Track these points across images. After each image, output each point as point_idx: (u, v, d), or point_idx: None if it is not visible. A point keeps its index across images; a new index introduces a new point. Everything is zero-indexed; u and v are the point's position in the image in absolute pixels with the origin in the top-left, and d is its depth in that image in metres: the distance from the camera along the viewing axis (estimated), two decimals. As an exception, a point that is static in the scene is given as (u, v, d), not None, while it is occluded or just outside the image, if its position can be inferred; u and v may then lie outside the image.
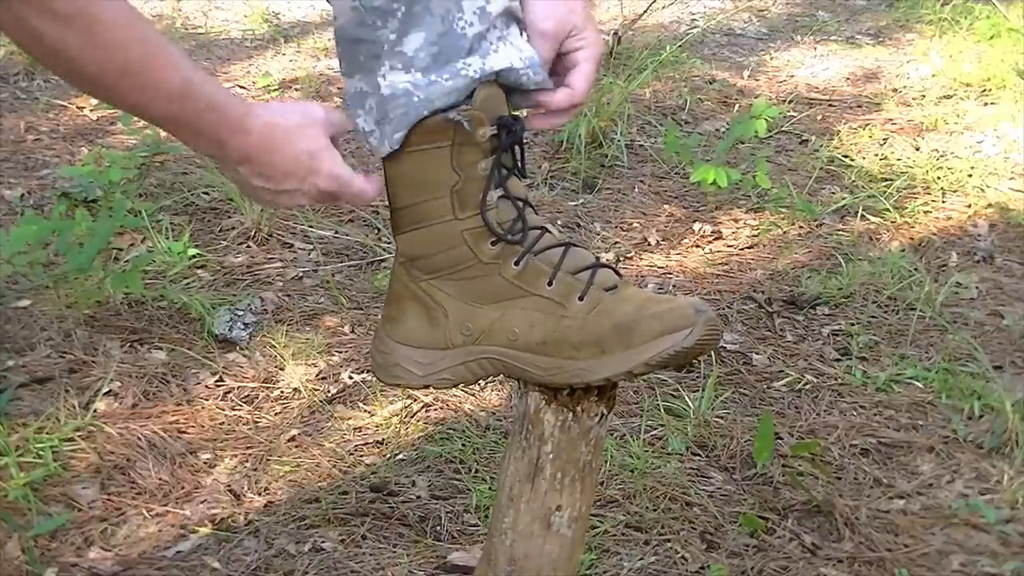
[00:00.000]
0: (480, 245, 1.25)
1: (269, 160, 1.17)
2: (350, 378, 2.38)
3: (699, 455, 2.23)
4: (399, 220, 1.28)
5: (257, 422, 2.24)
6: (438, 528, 1.99)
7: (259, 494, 2.06)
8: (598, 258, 1.28)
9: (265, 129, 1.15)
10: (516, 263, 1.25)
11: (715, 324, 1.21)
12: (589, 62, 1.28)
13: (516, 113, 1.25)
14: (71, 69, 1.06)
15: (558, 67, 1.29)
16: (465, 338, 1.28)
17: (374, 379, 2.33)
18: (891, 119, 3.82)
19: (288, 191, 1.20)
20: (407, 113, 1.21)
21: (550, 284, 1.24)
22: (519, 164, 1.27)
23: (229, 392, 2.32)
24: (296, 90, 3.77)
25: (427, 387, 1.33)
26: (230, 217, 2.93)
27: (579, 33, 1.27)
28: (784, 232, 3.09)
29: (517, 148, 1.27)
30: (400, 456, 2.17)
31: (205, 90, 1.12)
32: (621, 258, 2.92)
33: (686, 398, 2.35)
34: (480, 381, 1.32)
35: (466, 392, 2.32)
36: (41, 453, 2.07)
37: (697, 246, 3.02)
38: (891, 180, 3.35)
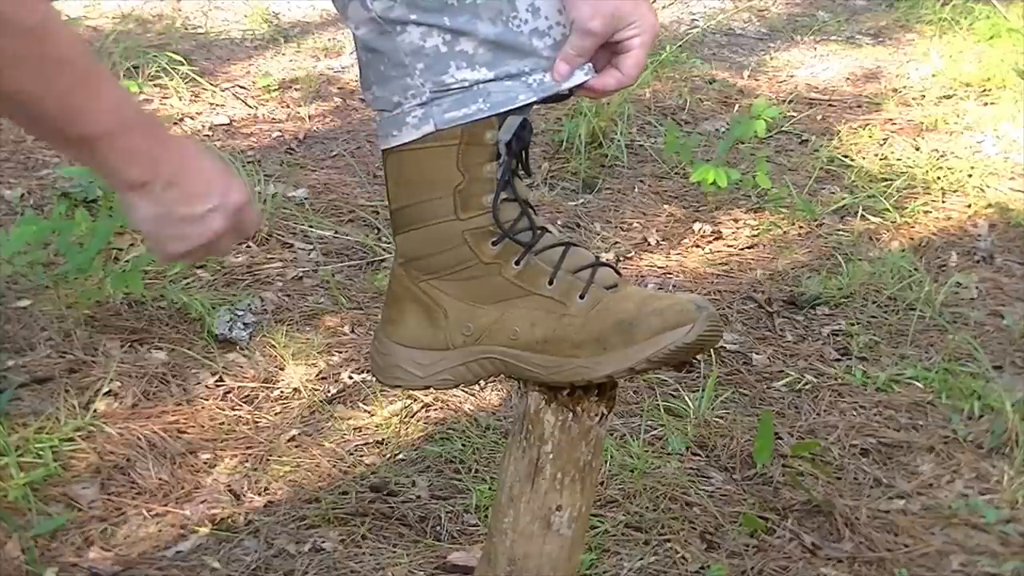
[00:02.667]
0: (481, 245, 1.25)
1: (196, 173, 1.15)
2: (350, 378, 2.38)
3: (699, 455, 2.23)
4: (399, 219, 1.28)
5: (257, 422, 2.24)
6: (438, 528, 1.99)
7: (259, 494, 2.06)
8: (598, 257, 1.29)
9: (188, 144, 1.15)
10: (516, 263, 1.25)
11: (716, 320, 1.22)
12: (642, 48, 1.25)
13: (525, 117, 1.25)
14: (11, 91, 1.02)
15: (607, 48, 1.26)
16: (466, 338, 1.28)
17: (374, 379, 2.33)
18: (891, 119, 3.82)
19: (207, 214, 1.15)
20: (462, 99, 1.21)
21: (551, 283, 1.25)
22: (524, 164, 1.28)
23: (229, 392, 2.32)
24: (296, 90, 3.77)
25: (428, 388, 1.33)
26: (230, 217, 2.92)
27: (630, 23, 1.23)
28: (784, 232, 3.09)
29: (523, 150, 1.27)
30: (400, 456, 2.17)
31: (139, 107, 1.11)
32: (621, 258, 2.92)
33: (686, 398, 2.35)
34: (480, 381, 1.32)
35: (466, 392, 2.32)
36: (41, 453, 2.07)
37: (697, 246, 3.02)
38: (891, 180, 3.35)
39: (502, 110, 1.22)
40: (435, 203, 1.25)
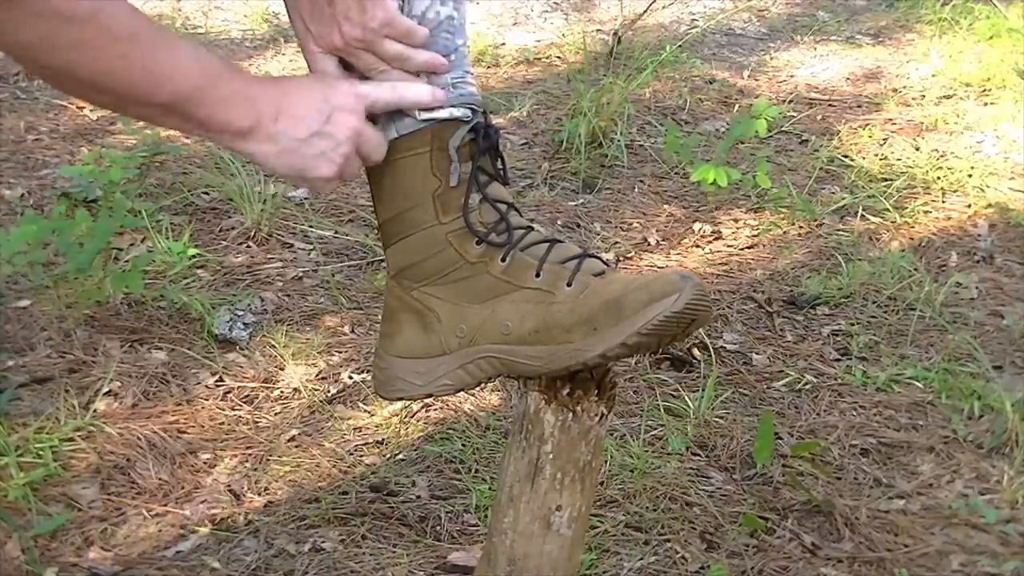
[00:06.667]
0: (465, 246, 1.27)
1: (296, 95, 1.17)
2: (350, 378, 2.38)
3: (699, 455, 2.23)
4: (387, 233, 1.31)
5: (257, 422, 2.24)
6: (438, 528, 1.99)
7: (259, 494, 2.06)
8: (585, 249, 1.30)
9: (272, 77, 1.21)
10: (502, 260, 1.26)
11: (702, 289, 1.21)
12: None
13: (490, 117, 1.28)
14: (84, 71, 1.07)
15: None
16: (460, 340, 1.28)
17: (378, 395, 2.33)
18: (891, 119, 3.82)
19: (328, 121, 1.18)
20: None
21: (537, 275, 1.26)
22: (500, 171, 1.29)
23: (229, 392, 2.32)
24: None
25: (429, 396, 1.34)
26: (230, 217, 2.93)
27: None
28: (784, 232, 3.09)
29: (497, 155, 1.29)
30: (400, 456, 2.17)
31: (215, 57, 1.15)
32: (621, 258, 2.92)
33: (686, 398, 2.35)
34: (480, 384, 1.33)
35: (466, 392, 2.32)
36: (41, 453, 2.07)
37: (697, 246, 3.02)
38: (891, 180, 3.35)
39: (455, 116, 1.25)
40: (417, 211, 1.27)
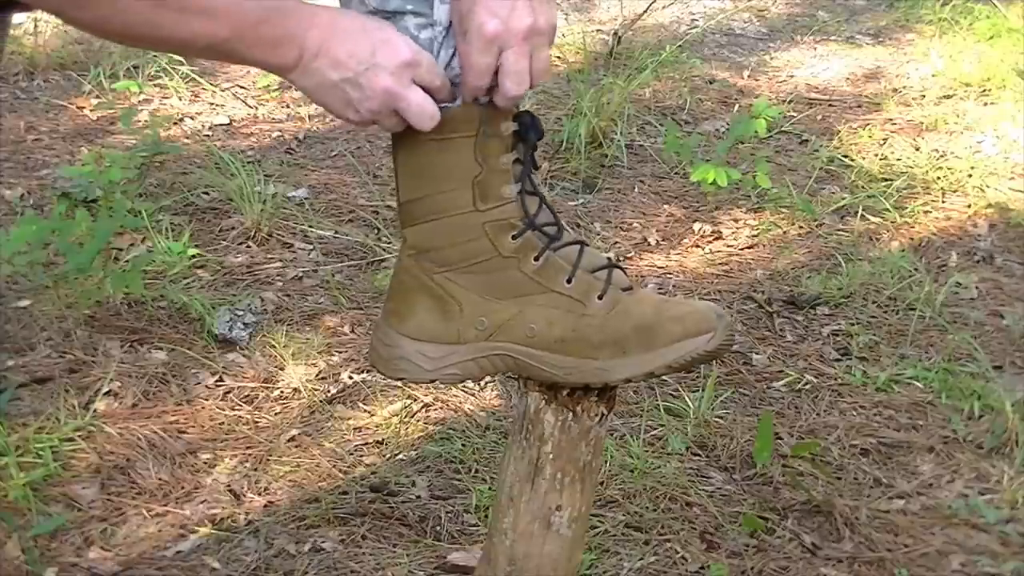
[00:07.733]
0: (501, 238, 1.24)
1: (340, 39, 1.17)
2: (350, 378, 2.38)
3: (699, 455, 2.23)
4: (412, 211, 1.26)
5: (257, 422, 2.24)
6: (438, 528, 1.99)
7: (259, 494, 2.06)
8: (610, 258, 1.29)
9: (331, 13, 1.18)
10: (536, 258, 1.24)
11: (733, 329, 1.23)
12: (478, 54, 1.17)
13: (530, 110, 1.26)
14: (125, 21, 1.10)
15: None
16: (478, 333, 1.26)
17: (374, 379, 2.34)
18: (891, 119, 3.82)
19: (363, 74, 1.16)
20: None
21: (569, 281, 1.24)
22: (534, 160, 1.28)
23: (229, 392, 2.32)
24: (296, 90, 3.76)
25: (433, 382, 1.31)
26: (230, 217, 2.93)
27: (465, 20, 1.18)
28: (784, 232, 3.09)
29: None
30: (400, 456, 2.17)
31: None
32: (621, 258, 2.92)
33: (686, 398, 2.35)
34: (486, 377, 1.31)
35: (466, 392, 2.32)
36: (41, 453, 2.07)
37: (697, 246, 3.02)
38: (891, 180, 3.35)
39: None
40: (452, 194, 1.23)
